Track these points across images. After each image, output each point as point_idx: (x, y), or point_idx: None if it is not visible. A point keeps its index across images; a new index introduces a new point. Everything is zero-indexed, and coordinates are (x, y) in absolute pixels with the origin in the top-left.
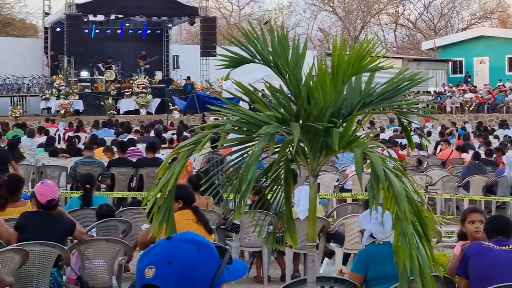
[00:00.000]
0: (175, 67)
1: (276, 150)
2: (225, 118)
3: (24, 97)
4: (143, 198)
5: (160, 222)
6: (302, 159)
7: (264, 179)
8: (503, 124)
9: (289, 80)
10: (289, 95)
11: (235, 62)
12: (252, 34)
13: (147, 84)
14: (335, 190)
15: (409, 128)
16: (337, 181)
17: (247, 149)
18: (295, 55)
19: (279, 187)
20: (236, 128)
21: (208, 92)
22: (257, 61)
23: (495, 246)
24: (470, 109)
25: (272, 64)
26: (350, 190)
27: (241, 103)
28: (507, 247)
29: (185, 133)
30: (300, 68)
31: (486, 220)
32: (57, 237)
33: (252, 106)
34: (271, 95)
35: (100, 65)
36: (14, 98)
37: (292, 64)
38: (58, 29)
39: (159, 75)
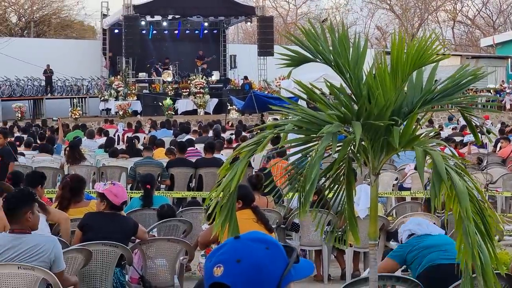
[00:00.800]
0: (233, 66)
1: (338, 149)
2: (283, 117)
3: (83, 99)
4: (203, 198)
5: (222, 222)
6: (363, 157)
7: (324, 179)
8: None
9: (350, 79)
10: (350, 94)
11: (297, 61)
12: (312, 33)
13: (204, 84)
14: (394, 188)
15: (474, 124)
16: (396, 179)
17: (308, 149)
18: (355, 54)
19: (340, 185)
20: (298, 128)
21: (266, 92)
22: (318, 60)
23: None
24: None
25: (333, 63)
26: (409, 189)
27: (299, 102)
28: None
29: (243, 133)
30: (361, 67)
31: None
32: (121, 237)
33: (312, 105)
34: (332, 94)
35: (157, 65)
36: (74, 99)
37: (353, 63)
38: (116, 31)
39: (216, 75)
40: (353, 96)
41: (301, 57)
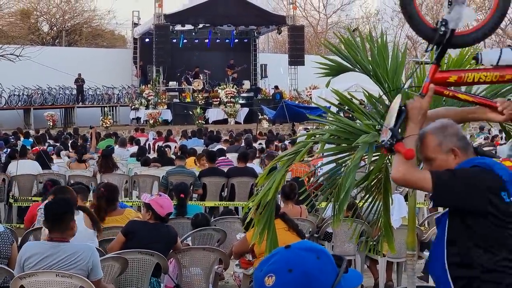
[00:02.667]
0: (263, 76)
1: (374, 158)
2: (314, 127)
3: (114, 107)
4: (235, 207)
5: (261, 231)
6: None
7: (358, 188)
8: None
9: (389, 89)
10: (388, 104)
11: (335, 71)
12: (352, 43)
13: (235, 93)
14: (426, 198)
15: None
16: None
17: (344, 158)
18: (394, 64)
19: (375, 195)
20: (335, 137)
21: (297, 101)
22: (357, 70)
23: None
24: None
25: (371, 73)
26: None
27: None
28: None
29: (275, 143)
30: (399, 77)
31: None
32: (163, 248)
33: (347, 115)
34: (369, 103)
35: (188, 74)
36: (105, 108)
37: (392, 73)
38: (146, 40)
39: (247, 84)
40: None
41: (340, 66)
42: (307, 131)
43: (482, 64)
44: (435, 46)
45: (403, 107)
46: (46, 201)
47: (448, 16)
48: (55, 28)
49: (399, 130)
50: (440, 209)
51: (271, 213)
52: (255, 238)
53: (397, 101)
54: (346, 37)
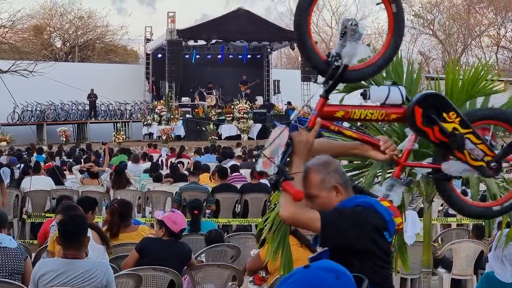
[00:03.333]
0: (276, 92)
1: (388, 176)
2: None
3: (126, 123)
4: (251, 224)
5: (275, 248)
6: (416, 184)
7: None
8: None
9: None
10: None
11: (349, 87)
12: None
13: (248, 109)
14: (439, 215)
15: None
16: (441, 205)
17: (357, 176)
18: (409, 80)
19: None
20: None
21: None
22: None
23: None
24: None
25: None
26: (454, 215)
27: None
28: None
29: None
30: (415, 94)
31: None
32: (177, 265)
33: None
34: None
35: (201, 90)
36: (117, 124)
37: (407, 89)
38: (159, 55)
39: (260, 100)
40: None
41: (356, 84)
42: None
43: (369, 101)
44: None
45: (289, 141)
46: (58, 218)
47: (342, 50)
48: (68, 44)
49: (286, 167)
50: (454, 225)
51: (286, 230)
52: (270, 255)
53: (280, 131)
54: None
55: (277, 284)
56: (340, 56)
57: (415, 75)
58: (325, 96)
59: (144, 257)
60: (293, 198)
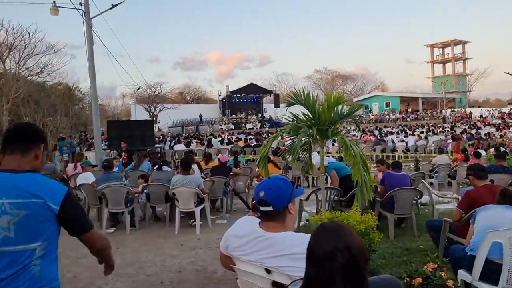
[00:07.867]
0: (265, 112)
1: (306, 139)
2: (284, 127)
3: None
4: (254, 160)
5: (263, 167)
6: (316, 141)
7: (300, 150)
8: None
9: (312, 111)
10: (311, 117)
11: (290, 104)
12: (297, 94)
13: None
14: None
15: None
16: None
17: (294, 138)
18: (313, 101)
19: (306, 152)
20: (292, 130)
21: (279, 120)
22: (300, 104)
23: None
24: None
25: (305, 103)
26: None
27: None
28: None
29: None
30: (315, 105)
31: None
32: (226, 174)
33: (295, 122)
34: (305, 116)
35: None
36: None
37: (312, 104)
38: (223, 100)
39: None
40: (313, 117)
41: (292, 103)
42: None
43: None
44: None
45: None
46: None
47: None
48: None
49: None
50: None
51: (265, 161)
52: (261, 170)
53: None
54: (295, 91)
55: (257, 185)
56: None
57: (316, 99)
58: None
59: (213, 172)
60: None
